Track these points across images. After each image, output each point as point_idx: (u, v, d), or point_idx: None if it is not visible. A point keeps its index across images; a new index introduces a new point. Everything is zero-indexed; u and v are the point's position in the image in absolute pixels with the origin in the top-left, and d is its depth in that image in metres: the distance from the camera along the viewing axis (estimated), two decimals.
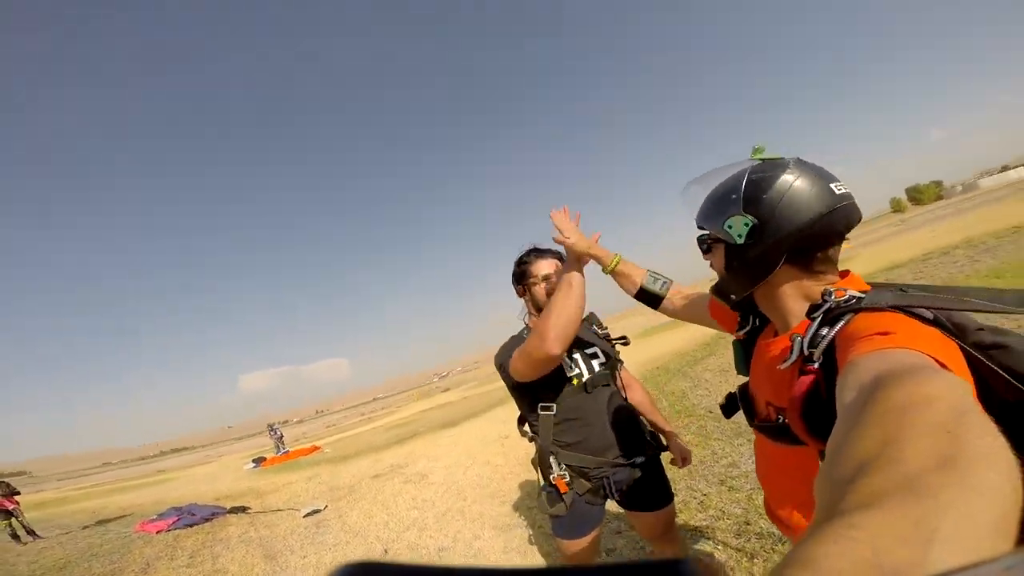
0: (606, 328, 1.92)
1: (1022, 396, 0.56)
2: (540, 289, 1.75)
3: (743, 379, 1.06)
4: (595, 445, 1.74)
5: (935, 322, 0.62)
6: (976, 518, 0.24)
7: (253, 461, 16.26)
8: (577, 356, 1.76)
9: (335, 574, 0.20)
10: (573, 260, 1.48)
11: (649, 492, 1.80)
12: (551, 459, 1.77)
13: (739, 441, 4.03)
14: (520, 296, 1.85)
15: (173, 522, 6.97)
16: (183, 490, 12.67)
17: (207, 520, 6.98)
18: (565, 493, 1.73)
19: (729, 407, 1.12)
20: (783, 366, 0.76)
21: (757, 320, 1.01)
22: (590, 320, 1.95)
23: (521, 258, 1.83)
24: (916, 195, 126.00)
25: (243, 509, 7.47)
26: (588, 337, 1.84)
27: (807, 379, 0.69)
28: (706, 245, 0.96)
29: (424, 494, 5.81)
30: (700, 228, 0.95)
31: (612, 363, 1.83)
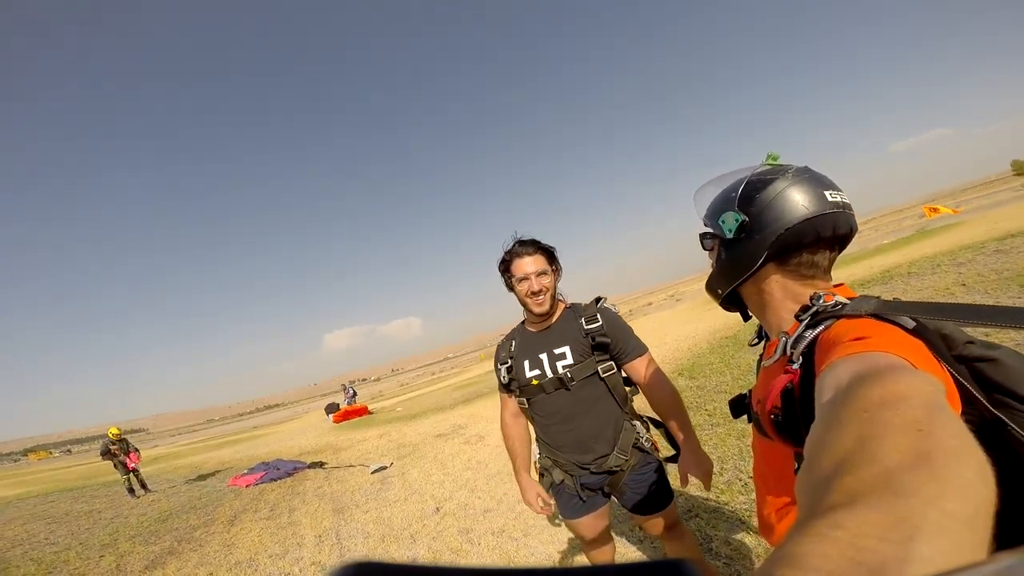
0: (598, 323, 1.77)
1: (994, 415, 0.57)
2: (520, 289, 1.75)
3: None
4: (560, 443, 1.82)
5: (917, 331, 0.63)
6: (954, 515, 0.25)
7: (328, 411, 18.99)
8: (543, 356, 1.79)
9: (335, 573, 0.21)
10: None
11: (642, 496, 1.80)
12: (536, 444, 1.97)
13: None
14: (508, 290, 1.84)
15: (260, 476, 7.91)
16: (272, 446, 14.24)
17: (289, 475, 7.86)
18: (543, 477, 1.91)
19: (736, 408, 1.15)
20: (767, 363, 0.83)
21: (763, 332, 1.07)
22: (576, 312, 1.84)
23: (504, 254, 1.80)
24: None
25: (320, 464, 8.32)
26: (560, 338, 1.80)
27: (783, 379, 0.73)
28: (708, 242, 1.01)
29: (479, 455, 6.19)
30: (705, 226, 1.00)
31: (588, 363, 1.75)
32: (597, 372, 1.75)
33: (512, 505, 4.09)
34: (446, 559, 3.38)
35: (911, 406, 0.35)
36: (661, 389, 1.73)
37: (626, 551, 2.83)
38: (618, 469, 1.76)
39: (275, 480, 7.65)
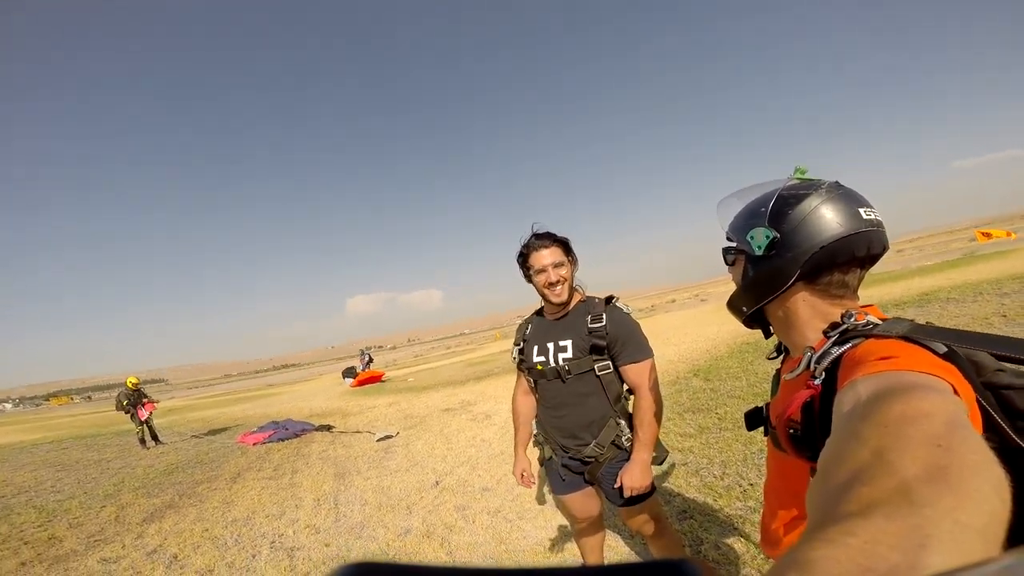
0: (601, 324, 1.82)
1: (1017, 443, 0.57)
2: (539, 280, 1.85)
3: None
4: (550, 425, 2.00)
5: (948, 356, 0.62)
6: (967, 527, 0.26)
7: (345, 375, 19.23)
8: (550, 345, 1.91)
9: (336, 573, 0.21)
10: None
11: (619, 490, 1.88)
12: (535, 420, 2.14)
13: None
14: (527, 281, 1.94)
15: (269, 435, 8.10)
16: (284, 405, 14.62)
17: (297, 436, 8.04)
18: (541, 450, 2.10)
19: (752, 419, 1.16)
20: (789, 376, 0.84)
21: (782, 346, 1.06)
22: (588, 307, 1.89)
23: (522, 246, 1.89)
24: None
25: (328, 428, 8.48)
26: (567, 330, 1.89)
27: (804, 393, 0.74)
28: (731, 257, 0.98)
29: (484, 433, 6.20)
30: (728, 240, 0.97)
31: (585, 360, 1.83)
32: (593, 369, 1.84)
33: (511, 487, 4.08)
34: (439, 534, 3.39)
35: (932, 423, 0.36)
36: (645, 398, 1.80)
37: (615, 544, 2.79)
38: (592, 460, 1.91)
39: (283, 440, 7.83)
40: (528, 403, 2.15)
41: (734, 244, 0.95)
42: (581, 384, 1.87)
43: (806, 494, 0.42)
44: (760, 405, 1.14)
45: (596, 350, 1.82)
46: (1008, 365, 0.65)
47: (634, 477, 1.79)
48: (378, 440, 6.77)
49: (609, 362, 1.84)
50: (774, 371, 1.11)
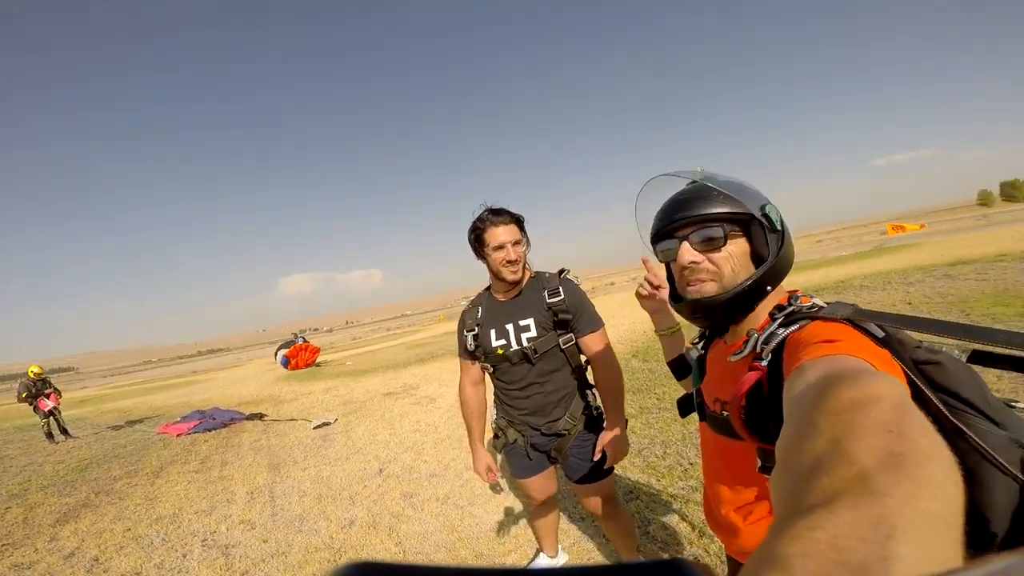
0: (560, 297, 1.84)
1: (952, 422, 0.62)
2: (495, 258, 1.80)
3: None
4: (517, 407, 1.98)
5: (885, 341, 0.69)
6: (927, 513, 0.26)
7: (279, 350, 17.70)
8: (509, 327, 1.88)
9: (336, 573, 0.19)
10: None
11: (580, 467, 1.94)
12: (494, 406, 2.14)
13: None
14: (478, 258, 1.89)
15: (194, 425, 7.66)
16: (210, 392, 13.87)
17: (225, 426, 7.65)
18: (497, 438, 2.09)
19: (684, 406, 1.20)
20: (734, 358, 0.86)
21: (707, 332, 1.11)
22: (540, 282, 1.91)
23: (475, 222, 1.83)
24: (1011, 191, 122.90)
25: (260, 416, 8.11)
26: (525, 309, 1.88)
27: (753, 375, 0.78)
28: (727, 229, 0.90)
29: (429, 418, 6.12)
30: (707, 216, 0.90)
31: (550, 336, 1.85)
32: (558, 344, 1.86)
33: (459, 472, 4.05)
34: (385, 524, 3.32)
35: (881, 408, 0.38)
36: (607, 367, 1.86)
37: (567, 527, 2.82)
38: (565, 432, 1.92)
39: (209, 431, 7.42)
40: (479, 394, 2.13)
41: (728, 217, 0.89)
42: (548, 361, 1.87)
43: (770, 483, 0.43)
44: (689, 392, 1.18)
45: (560, 325, 1.83)
46: (923, 344, 0.72)
47: (619, 442, 1.84)
48: (315, 428, 6.54)
49: (572, 335, 1.86)
50: (696, 355, 1.13)
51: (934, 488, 0.28)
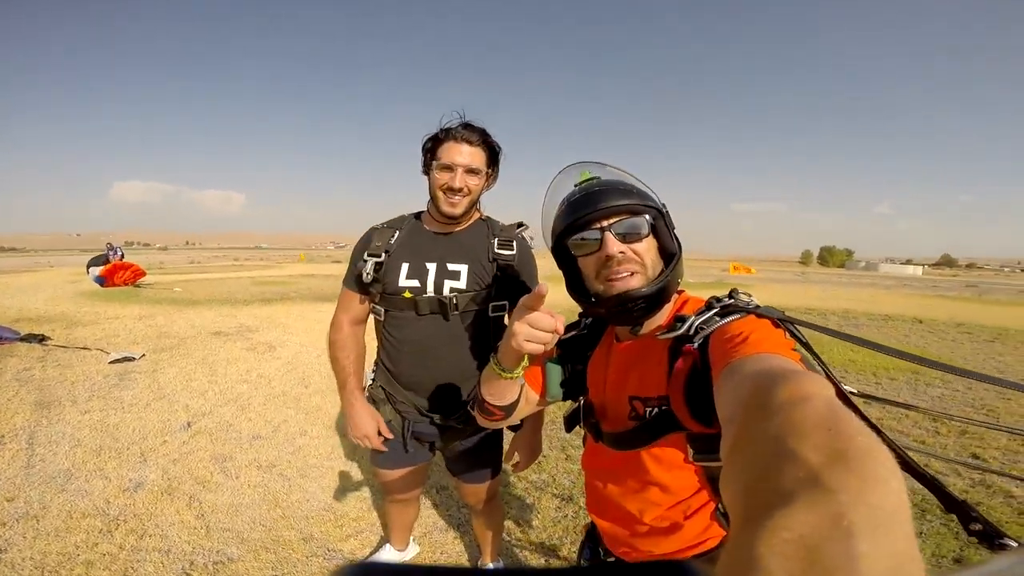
0: (511, 252, 1.56)
1: (859, 412, 0.71)
2: (438, 178, 1.48)
3: None
4: (406, 378, 1.61)
5: (807, 345, 0.83)
6: (879, 508, 0.28)
7: (91, 265, 14.58)
8: (430, 267, 1.53)
9: (337, 574, 0.20)
10: None
11: (469, 461, 1.70)
12: (373, 367, 1.74)
13: None
14: (423, 172, 1.56)
15: None
16: None
17: None
18: None
19: (572, 421, 1.14)
20: (665, 335, 0.87)
21: (586, 330, 1.12)
22: (491, 228, 1.61)
23: (436, 132, 1.50)
24: (826, 255, 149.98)
25: (41, 339, 6.60)
26: (460, 252, 1.56)
27: (689, 358, 0.80)
28: (649, 222, 0.93)
29: (264, 368, 5.42)
30: (632, 206, 0.92)
31: (481, 294, 1.54)
32: (487, 309, 1.56)
33: (292, 437, 3.55)
34: (185, 490, 2.75)
35: (816, 407, 0.40)
36: None
37: (430, 517, 2.54)
38: (461, 427, 1.61)
39: None
40: (358, 335, 1.69)
41: (644, 212, 0.93)
42: (466, 325, 1.55)
43: (720, 482, 0.46)
44: (576, 405, 1.13)
45: (500, 284, 1.54)
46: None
47: (533, 448, 1.60)
48: (111, 362, 5.43)
49: (507, 303, 1.56)
50: (577, 365, 1.10)
51: (880, 483, 0.30)
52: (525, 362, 0.97)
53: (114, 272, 14.00)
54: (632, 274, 0.91)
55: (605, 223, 0.91)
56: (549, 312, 0.86)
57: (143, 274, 15.09)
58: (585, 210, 0.92)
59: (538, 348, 0.86)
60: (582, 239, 0.94)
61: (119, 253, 16.50)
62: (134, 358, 5.66)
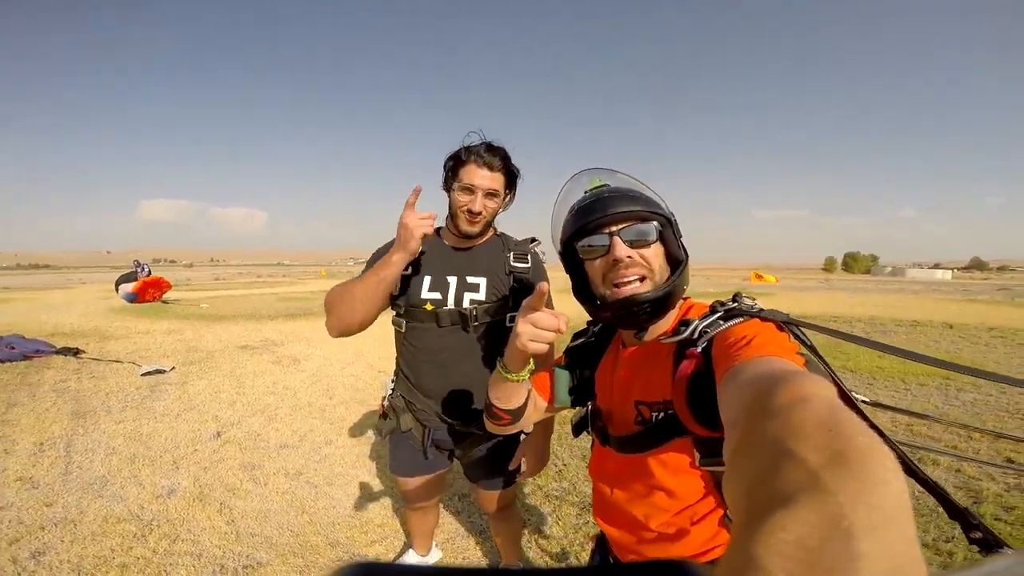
0: (526, 265, 1.61)
1: (863, 413, 0.72)
2: (459, 199, 1.52)
3: None
4: (426, 387, 1.66)
5: (812, 348, 0.82)
6: (878, 509, 0.28)
7: (120, 283, 14.89)
8: (451, 280, 1.59)
9: (336, 574, 0.20)
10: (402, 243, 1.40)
11: (487, 468, 1.74)
12: (393, 376, 1.79)
13: None
14: (444, 188, 1.61)
15: None
16: (19, 316, 11.59)
17: (27, 358, 6.38)
18: (385, 419, 1.75)
19: (580, 426, 1.15)
20: (668, 340, 0.88)
21: (594, 337, 1.14)
22: (506, 243, 1.66)
23: (461, 148, 1.53)
24: (850, 262, 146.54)
25: (75, 352, 6.87)
26: (479, 266, 1.61)
27: (692, 361, 0.81)
28: (656, 229, 0.95)
29: (288, 380, 5.54)
30: (641, 212, 0.94)
31: (499, 305, 1.59)
32: (504, 319, 1.59)
33: (318, 446, 3.63)
34: (216, 497, 2.83)
35: (816, 408, 0.40)
36: None
37: (452, 523, 2.58)
38: (480, 432, 1.63)
39: (5, 361, 6.14)
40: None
41: (653, 218, 0.94)
42: (485, 336, 1.59)
43: (723, 486, 0.44)
44: (583, 411, 1.14)
45: (516, 296, 1.58)
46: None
47: (541, 456, 1.59)
48: (143, 374, 5.63)
49: None
50: (568, 381, 1.12)
51: (880, 484, 0.30)
52: (531, 365, 1.00)
53: (145, 290, 14.45)
54: (640, 278, 0.92)
55: (614, 228, 0.93)
56: (551, 311, 0.89)
57: (170, 286, 15.52)
58: (594, 215, 0.94)
59: (542, 348, 0.89)
60: (590, 243, 0.95)
61: (146, 270, 16.97)
62: (165, 370, 5.85)
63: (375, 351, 6.98)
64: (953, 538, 2.31)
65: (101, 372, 5.78)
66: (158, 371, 5.79)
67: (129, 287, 14.54)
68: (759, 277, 35.00)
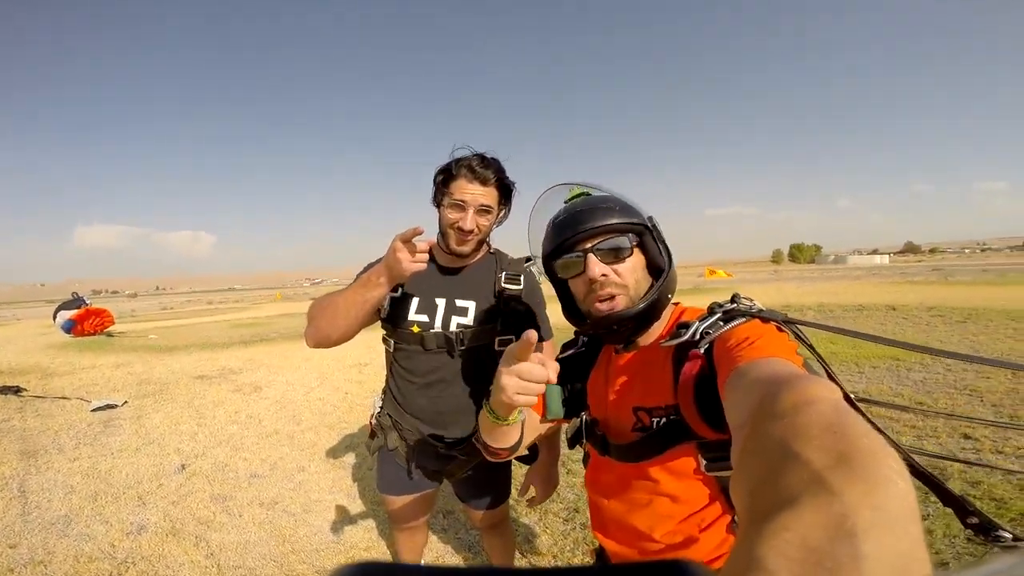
0: (518, 287, 1.56)
1: (865, 415, 0.71)
2: (450, 216, 1.47)
3: None
4: (412, 407, 1.64)
5: (811, 347, 0.85)
6: (883, 510, 0.28)
7: (59, 311, 14.01)
8: (439, 302, 1.56)
9: (336, 573, 0.20)
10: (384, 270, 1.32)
11: (477, 486, 1.73)
12: (381, 395, 1.77)
13: None
14: (433, 203, 1.56)
15: None
16: None
17: None
18: (373, 437, 1.73)
19: (575, 438, 1.11)
20: (667, 343, 0.87)
21: (584, 347, 1.14)
22: (499, 262, 1.61)
23: (451, 161, 1.47)
24: (796, 252, 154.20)
25: (16, 390, 6.50)
26: (468, 288, 1.58)
27: (696, 363, 0.82)
28: (633, 244, 0.95)
29: (252, 408, 5.42)
30: (612, 226, 0.93)
31: (487, 330, 1.55)
32: (492, 343, 1.56)
33: (290, 473, 3.59)
34: (190, 531, 2.78)
35: (820, 410, 0.41)
36: None
37: (439, 541, 2.61)
38: (465, 457, 1.58)
39: None
40: None
41: (630, 229, 0.94)
42: (472, 359, 1.56)
43: (731, 488, 0.46)
44: (580, 421, 1.09)
45: (505, 319, 1.54)
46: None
47: (550, 480, 1.59)
48: (93, 410, 5.39)
49: (513, 337, 1.52)
50: (577, 383, 1.10)
51: (884, 485, 0.30)
52: (520, 413, 0.93)
53: (85, 317, 13.66)
54: (617, 296, 0.92)
55: (588, 244, 0.92)
56: (540, 360, 0.79)
57: (112, 321, 14.76)
58: (567, 231, 0.94)
59: (531, 400, 0.80)
60: (566, 262, 0.95)
61: (86, 303, 16.05)
62: (117, 405, 5.63)
63: (340, 373, 6.93)
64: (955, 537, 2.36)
65: (47, 409, 5.51)
66: (109, 406, 5.56)
67: (68, 314, 13.73)
68: (713, 273, 35.88)
